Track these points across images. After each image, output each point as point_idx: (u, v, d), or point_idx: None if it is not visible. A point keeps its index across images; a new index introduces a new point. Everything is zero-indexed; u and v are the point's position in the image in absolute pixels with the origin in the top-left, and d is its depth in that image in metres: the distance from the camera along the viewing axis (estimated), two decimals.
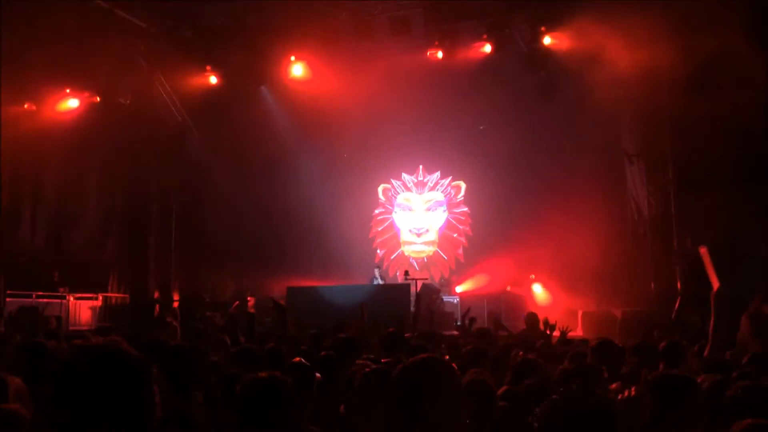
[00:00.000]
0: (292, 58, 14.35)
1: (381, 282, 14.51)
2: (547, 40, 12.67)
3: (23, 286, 12.49)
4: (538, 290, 14.13)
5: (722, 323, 3.85)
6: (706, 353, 3.83)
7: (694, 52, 9.59)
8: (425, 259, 16.59)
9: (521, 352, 4.86)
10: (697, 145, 10.33)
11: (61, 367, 1.56)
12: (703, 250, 4.27)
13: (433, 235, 16.65)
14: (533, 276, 14.24)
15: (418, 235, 16.70)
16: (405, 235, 16.83)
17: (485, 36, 13.03)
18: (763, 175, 9.79)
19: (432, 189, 16.81)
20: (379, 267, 15.35)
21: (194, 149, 16.70)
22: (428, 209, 16.76)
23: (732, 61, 9.43)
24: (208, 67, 14.57)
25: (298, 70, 14.50)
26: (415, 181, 16.96)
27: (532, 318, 8.66)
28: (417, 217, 16.80)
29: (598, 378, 3.90)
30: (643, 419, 2.71)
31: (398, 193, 17.01)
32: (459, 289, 15.23)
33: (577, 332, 10.65)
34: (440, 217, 16.67)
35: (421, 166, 16.87)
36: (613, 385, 3.83)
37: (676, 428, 2.61)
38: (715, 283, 4.06)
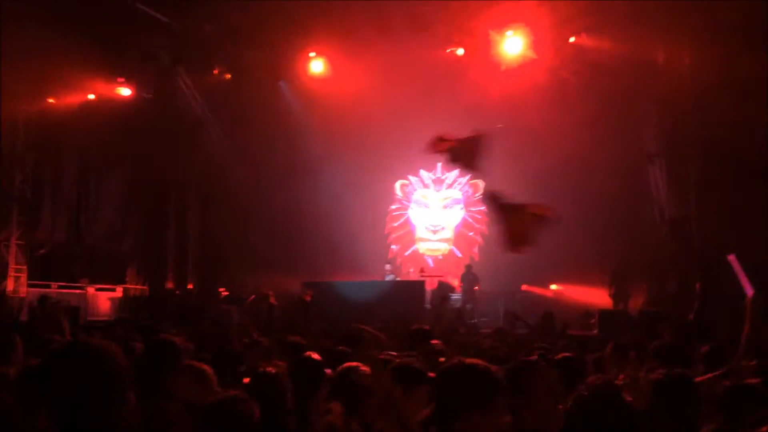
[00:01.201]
0: (312, 54, 14.38)
1: (392, 277, 14.53)
2: (571, 40, 12.60)
3: (43, 277, 12.69)
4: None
5: (757, 330, 3.84)
6: (735, 359, 3.83)
7: (719, 54, 9.47)
8: (440, 257, 16.57)
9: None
10: (720, 148, 10.21)
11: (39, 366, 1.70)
12: (732, 258, 4.23)
13: (449, 233, 16.62)
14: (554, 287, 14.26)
15: (434, 232, 16.67)
16: (421, 232, 16.81)
17: (510, 34, 12.93)
18: None
19: (450, 186, 16.76)
20: (390, 263, 15.34)
21: (213, 144, 16.81)
22: (445, 207, 16.73)
23: (757, 64, 9.29)
24: (228, 63, 14.65)
25: (317, 66, 14.52)
26: (433, 178, 16.93)
27: (547, 318, 8.63)
28: (433, 214, 16.77)
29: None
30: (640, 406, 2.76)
31: (415, 190, 16.99)
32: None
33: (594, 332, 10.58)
34: (457, 215, 16.63)
35: (439, 164, 16.83)
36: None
37: (673, 425, 2.65)
38: (749, 290, 4.03)
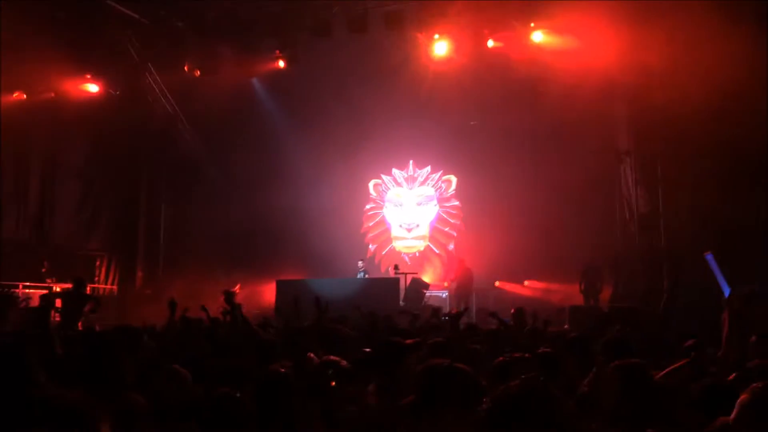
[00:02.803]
0: (281, 51, 14.28)
1: (364, 275, 14.50)
2: (539, 36, 12.68)
3: (9, 277, 12.39)
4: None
5: (737, 330, 3.90)
6: (720, 355, 3.89)
7: (688, 53, 9.63)
8: (417, 254, 16.60)
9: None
10: (686, 145, 10.39)
11: None
12: (709, 256, 4.30)
13: (423, 230, 16.66)
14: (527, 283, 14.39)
15: (408, 230, 16.70)
16: (396, 231, 16.84)
17: (486, 32, 12.98)
18: (751, 177, 9.83)
19: (422, 184, 16.81)
20: (363, 260, 15.32)
21: (184, 141, 16.60)
22: (419, 204, 16.76)
23: (725, 63, 9.45)
24: (198, 60, 14.47)
25: (290, 63, 14.42)
26: (406, 176, 16.96)
27: (519, 314, 8.68)
28: (407, 213, 16.80)
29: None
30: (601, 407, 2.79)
31: (389, 189, 17.00)
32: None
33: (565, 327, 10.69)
34: (431, 211, 16.67)
35: (411, 161, 16.87)
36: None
37: (634, 418, 2.68)
38: (726, 288, 4.11)
